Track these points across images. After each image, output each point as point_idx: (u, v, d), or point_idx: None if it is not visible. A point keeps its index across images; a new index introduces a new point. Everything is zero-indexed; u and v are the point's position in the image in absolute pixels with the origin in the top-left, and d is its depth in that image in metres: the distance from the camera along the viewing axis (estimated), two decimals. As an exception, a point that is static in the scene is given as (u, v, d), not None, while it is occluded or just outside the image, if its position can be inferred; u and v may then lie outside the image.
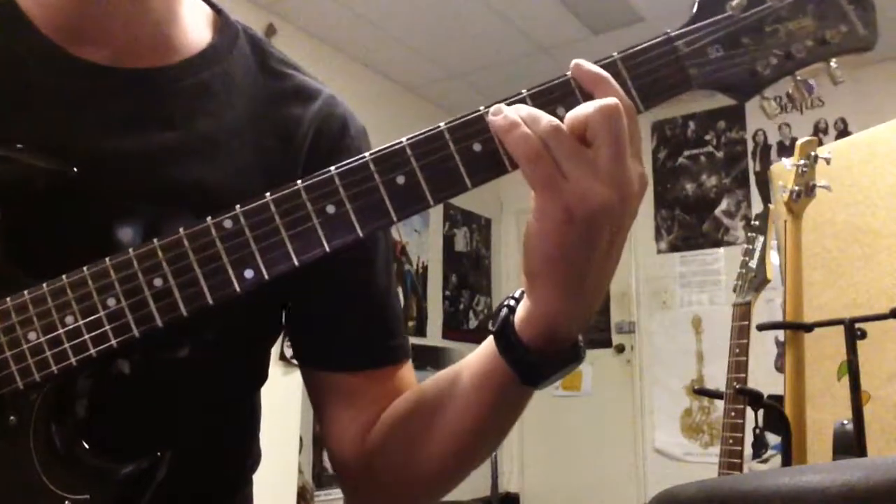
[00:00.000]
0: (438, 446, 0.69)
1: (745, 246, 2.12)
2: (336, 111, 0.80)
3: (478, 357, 0.66)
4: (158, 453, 0.63)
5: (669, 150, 4.80)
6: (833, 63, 0.61)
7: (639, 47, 0.59)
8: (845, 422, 1.75)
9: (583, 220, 0.54)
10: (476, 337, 4.85)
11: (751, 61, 0.60)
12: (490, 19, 3.65)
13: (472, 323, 4.97)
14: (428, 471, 0.72)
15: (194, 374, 0.69)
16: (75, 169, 0.65)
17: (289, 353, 3.47)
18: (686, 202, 4.71)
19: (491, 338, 0.64)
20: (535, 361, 0.61)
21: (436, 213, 4.61)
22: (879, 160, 2.14)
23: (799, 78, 0.61)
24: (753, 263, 2.06)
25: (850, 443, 1.72)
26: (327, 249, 0.58)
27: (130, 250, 0.60)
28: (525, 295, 0.61)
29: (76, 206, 0.65)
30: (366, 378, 0.77)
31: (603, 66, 0.58)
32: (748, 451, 1.99)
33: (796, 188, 1.89)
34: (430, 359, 4.40)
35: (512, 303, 0.63)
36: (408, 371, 0.80)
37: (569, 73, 0.59)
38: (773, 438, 2.06)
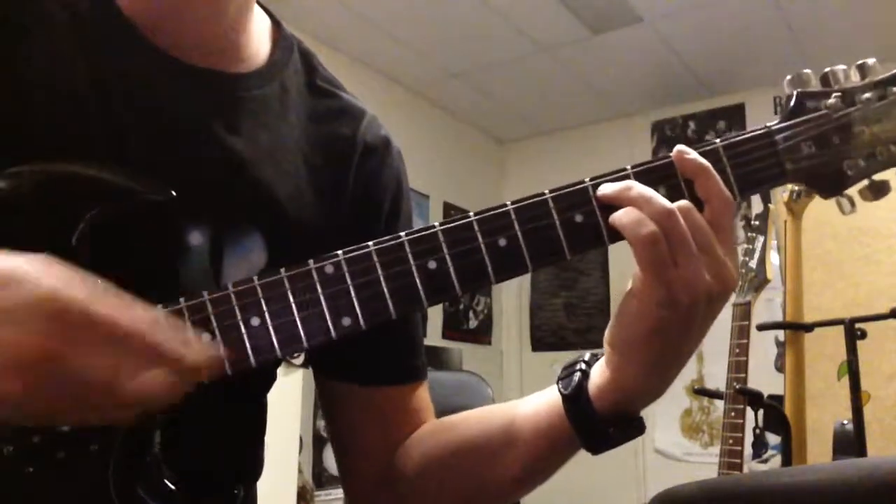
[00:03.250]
0: (481, 490, 0.71)
1: (745, 246, 2.12)
2: (380, 132, 0.82)
3: (537, 413, 0.67)
4: (236, 490, 0.63)
5: (669, 149, 4.79)
6: None
7: (740, 137, 0.61)
8: (845, 422, 1.75)
9: (685, 306, 0.55)
10: (476, 337, 4.86)
11: (838, 161, 0.62)
12: (490, 19, 3.65)
13: (472, 323, 4.97)
14: None
15: (224, 388, 0.69)
16: (174, 193, 0.63)
17: (289, 353, 3.46)
18: (686, 202, 4.71)
19: (552, 394, 0.65)
20: (603, 430, 0.62)
21: (435, 212, 4.60)
22: (879, 160, 2.14)
23: (875, 178, 0.63)
24: (753, 263, 2.06)
25: (850, 443, 1.72)
26: (426, 304, 0.59)
27: (229, 285, 0.59)
28: (605, 364, 0.62)
29: (153, 223, 0.64)
30: (394, 393, 0.78)
31: (704, 153, 0.60)
32: (748, 451, 1.99)
33: (796, 188, 1.89)
34: (430, 359, 4.38)
35: (584, 366, 0.63)
36: (426, 391, 0.81)
37: (672, 154, 0.60)
38: (773, 438, 2.06)
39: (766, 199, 3.81)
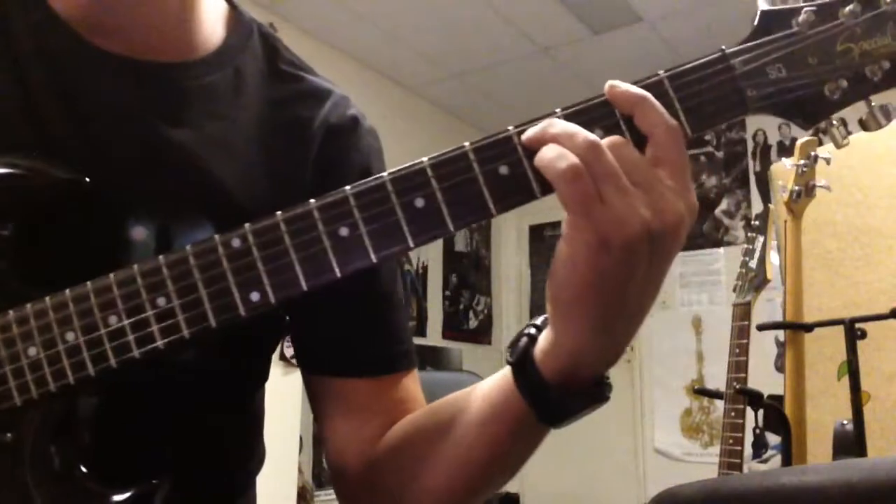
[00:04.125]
0: (446, 475, 0.67)
1: (745, 246, 2.12)
2: (347, 112, 0.78)
3: (494, 387, 0.63)
4: (155, 481, 0.61)
5: (669, 150, 4.80)
6: None
7: (689, 65, 0.54)
8: (845, 422, 1.75)
9: (620, 248, 0.49)
10: (476, 337, 4.86)
11: (818, 84, 0.54)
12: (490, 19, 3.65)
13: (472, 323, 4.97)
14: (434, 497, 0.68)
15: (197, 380, 0.69)
16: (87, 179, 0.63)
17: (289, 353, 3.47)
18: (686, 202, 4.71)
19: (508, 368, 0.60)
20: (556, 399, 0.56)
21: (436, 213, 4.61)
22: (879, 160, 2.14)
23: (874, 103, 0.55)
24: (753, 263, 2.06)
25: (850, 443, 1.72)
26: (338, 275, 0.55)
27: (135, 266, 0.58)
28: (549, 324, 0.56)
29: (86, 210, 0.64)
30: (368, 385, 0.75)
31: (648, 86, 0.54)
32: (748, 451, 1.99)
33: (796, 188, 1.89)
34: (430, 359, 4.40)
35: (532, 331, 0.58)
36: (413, 381, 0.77)
37: (605, 90, 0.54)
38: (773, 438, 2.06)
39: (766, 199, 3.81)
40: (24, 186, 0.63)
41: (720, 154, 4.66)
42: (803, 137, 1.96)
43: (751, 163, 4.55)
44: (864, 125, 0.56)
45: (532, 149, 0.52)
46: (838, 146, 0.58)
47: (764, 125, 4.48)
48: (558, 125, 0.52)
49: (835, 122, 0.56)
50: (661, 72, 0.54)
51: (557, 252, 0.53)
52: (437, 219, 0.54)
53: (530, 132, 0.53)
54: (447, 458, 0.66)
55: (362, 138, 0.78)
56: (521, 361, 0.57)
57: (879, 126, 0.56)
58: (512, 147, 0.53)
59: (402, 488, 0.70)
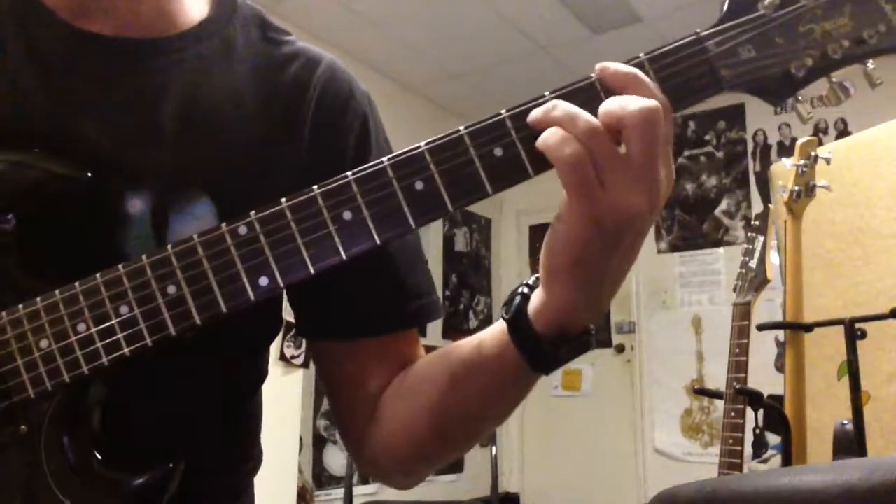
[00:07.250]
0: (436, 426, 0.69)
1: (745, 246, 2.12)
2: (341, 75, 0.79)
3: (491, 343, 0.65)
4: (171, 464, 0.62)
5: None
6: (870, 64, 0.59)
7: (667, 48, 0.57)
8: (845, 422, 1.75)
9: (612, 228, 0.53)
10: (476, 337, 4.86)
11: (784, 62, 0.58)
12: (490, 19, 3.65)
13: (473, 323, 4.97)
14: (429, 443, 0.71)
15: (197, 377, 0.69)
16: (89, 174, 0.65)
17: (289, 353, 3.47)
18: (686, 202, 4.71)
19: (503, 324, 0.63)
20: (549, 352, 0.60)
21: (436, 213, 4.60)
22: (879, 160, 2.14)
23: (834, 80, 0.59)
24: (753, 263, 2.06)
25: (850, 443, 1.72)
26: (344, 257, 0.57)
27: (144, 257, 0.59)
28: (541, 287, 0.60)
29: (87, 201, 0.65)
30: (368, 345, 0.75)
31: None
32: (748, 451, 1.99)
33: (796, 188, 1.89)
34: (430, 359, 4.39)
35: (525, 290, 0.62)
36: (412, 340, 0.78)
37: (593, 75, 0.56)
38: (773, 438, 2.06)
39: (766, 199, 3.81)
40: (22, 180, 0.65)
41: (720, 154, 4.66)
42: (803, 138, 1.96)
43: (751, 163, 4.55)
44: (826, 101, 0.60)
45: (535, 129, 0.55)
46: (804, 121, 0.61)
47: (764, 125, 4.48)
48: (560, 107, 0.54)
49: (800, 98, 0.59)
50: (641, 54, 0.57)
51: (553, 228, 0.57)
52: (436, 200, 0.57)
53: (534, 113, 0.55)
54: (453, 406, 0.68)
55: (358, 103, 0.79)
56: (516, 318, 0.61)
57: (839, 101, 0.60)
58: (506, 130, 0.56)
59: (404, 436, 0.72)
